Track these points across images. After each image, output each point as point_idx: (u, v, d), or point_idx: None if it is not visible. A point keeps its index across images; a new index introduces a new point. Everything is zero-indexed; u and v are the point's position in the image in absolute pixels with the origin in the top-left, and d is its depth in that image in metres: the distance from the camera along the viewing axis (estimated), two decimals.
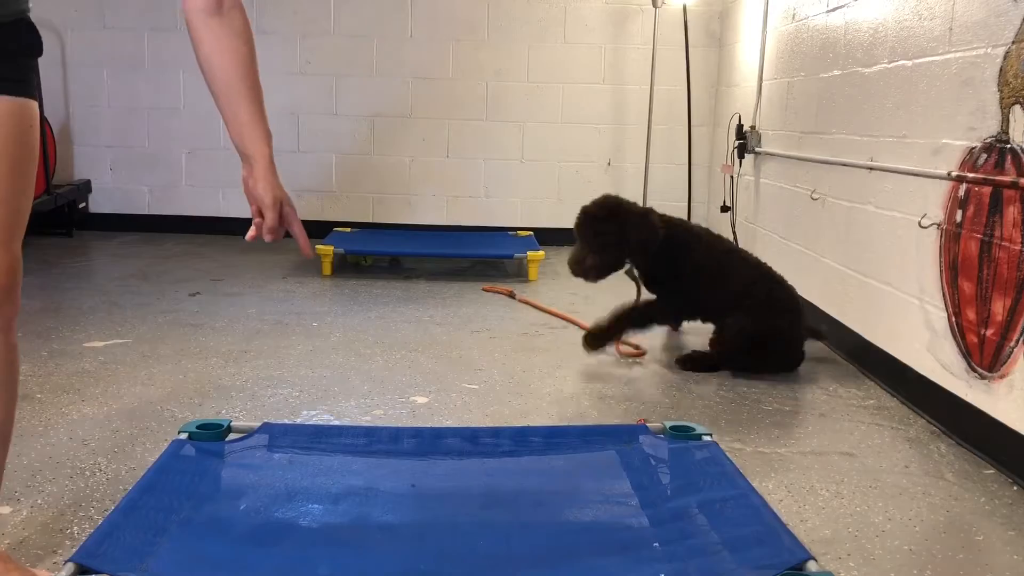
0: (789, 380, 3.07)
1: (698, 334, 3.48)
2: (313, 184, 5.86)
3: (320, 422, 2.53)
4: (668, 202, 5.80)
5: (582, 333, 3.26)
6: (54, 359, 3.05)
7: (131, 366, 3.00)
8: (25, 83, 1.47)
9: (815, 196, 3.70)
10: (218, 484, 1.92)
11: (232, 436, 2.11)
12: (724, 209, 5.01)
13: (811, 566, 1.54)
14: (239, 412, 2.58)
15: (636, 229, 3.03)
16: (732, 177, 4.86)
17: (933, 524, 2.01)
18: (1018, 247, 2.24)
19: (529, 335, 3.57)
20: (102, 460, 2.21)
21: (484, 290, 4.38)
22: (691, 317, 3.42)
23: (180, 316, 3.71)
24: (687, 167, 5.77)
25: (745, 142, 4.59)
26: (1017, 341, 2.24)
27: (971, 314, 2.46)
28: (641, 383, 2.98)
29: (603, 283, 3.28)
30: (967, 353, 2.48)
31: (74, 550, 1.57)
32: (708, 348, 3.23)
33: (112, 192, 5.89)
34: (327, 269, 4.66)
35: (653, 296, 3.26)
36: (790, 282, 3.26)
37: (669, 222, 3.17)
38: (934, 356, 2.66)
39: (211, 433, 2.07)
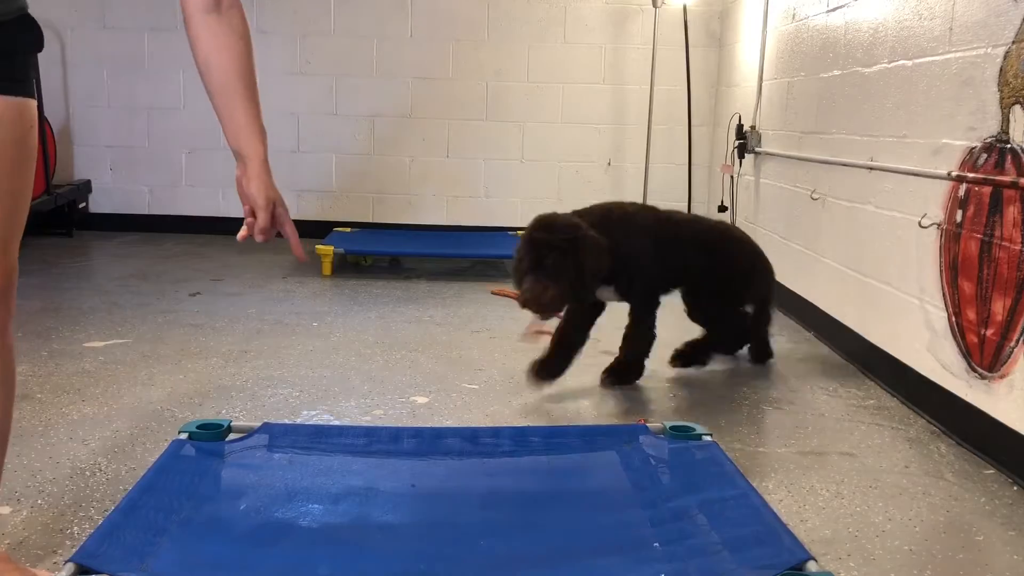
0: (789, 380, 3.07)
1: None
2: (313, 184, 5.86)
3: (320, 422, 2.53)
4: (668, 202, 5.78)
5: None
6: (54, 359, 3.05)
7: (131, 366, 3.00)
8: (25, 82, 1.45)
9: (815, 196, 3.70)
10: (218, 484, 1.92)
11: (232, 436, 2.11)
12: (722, 208, 5.01)
13: (811, 566, 1.54)
14: (239, 412, 2.58)
15: (592, 255, 2.63)
16: (732, 177, 4.86)
17: (933, 524, 2.01)
18: (1018, 247, 2.24)
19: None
20: (102, 460, 2.21)
21: (493, 293, 4.36)
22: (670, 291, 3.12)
23: (180, 316, 3.71)
24: (687, 167, 5.77)
25: (745, 142, 4.59)
26: (1017, 341, 2.24)
27: (971, 314, 2.46)
28: (641, 383, 2.98)
29: None
30: (967, 353, 2.48)
31: (74, 550, 1.57)
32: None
33: (112, 192, 5.89)
34: (327, 269, 4.66)
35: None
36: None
37: (599, 222, 2.77)
38: (934, 356, 2.66)
39: (211, 433, 2.07)
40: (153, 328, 3.50)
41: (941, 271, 2.63)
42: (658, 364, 3.20)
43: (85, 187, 5.80)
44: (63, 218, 5.58)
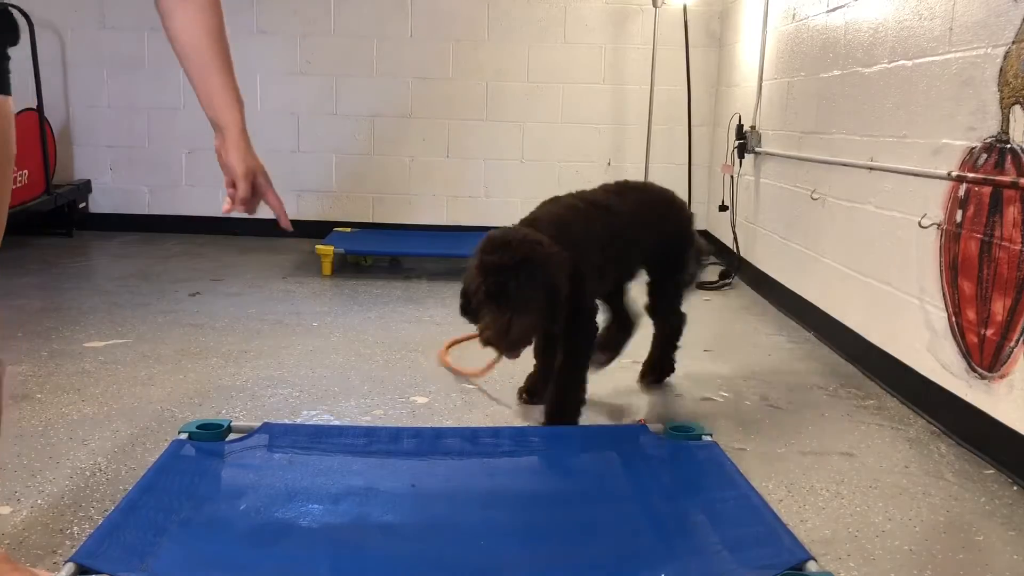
0: (789, 380, 3.07)
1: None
2: (313, 184, 5.86)
3: (320, 422, 2.53)
4: None
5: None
6: (54, 359, 3.05)
7: (131, 366, 3.00)
8: (3, 79, 1.40)
9: (815, 196, 3.70)
10: (218, 484, 1.92)
11: (232, 436, 2.11)
12: (723, 208, 5.01)
13: (811, 566, 1.55)
14: (239, 412, 2.58)
15: (560, 275, 2.21)
16: (732, 177, 4.86)
17: (933, 524, 2.01)
18: (1018, 247, 2.24)
19: None
20: (102, 460, 2.21)
21: (442, 360, 3.15)
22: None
23: (180, 316, 3.71)
24: (687, 167, 5.76)
25: (745, 142, 4.59)
26: (1017, 341, 2.24)
27: (971, 314, 2.46)
28: (641, 383, 2.98)
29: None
30: (967, 353, 2.48)
31: (74, 550, 1.57)
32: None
33: (112, 192, 5.89)
34: (327, 269, 4.66)
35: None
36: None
37: (557, 232, 2.35)
38: (934, 356, 2.66)
39: (211, 433, 2.08)
40: (153, 328, 3.50)
41: (941, 271, 2.63)
42: None
43: (85, 187, 5.80)
44: (63, 218, 5.58)
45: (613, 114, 5.81)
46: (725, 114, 5.28)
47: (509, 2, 5.67)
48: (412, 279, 4.68)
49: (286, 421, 2.49)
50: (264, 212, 1.53)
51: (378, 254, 5.07)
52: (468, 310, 2.29)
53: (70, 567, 1.47)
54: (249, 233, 5.77)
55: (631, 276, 2.82)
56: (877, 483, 2.22)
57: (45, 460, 2.20)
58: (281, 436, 2.11)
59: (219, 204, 6.29)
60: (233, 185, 1.44)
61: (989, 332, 2.36)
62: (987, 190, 2.40)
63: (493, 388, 2.87)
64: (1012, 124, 2.28)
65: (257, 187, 1.44)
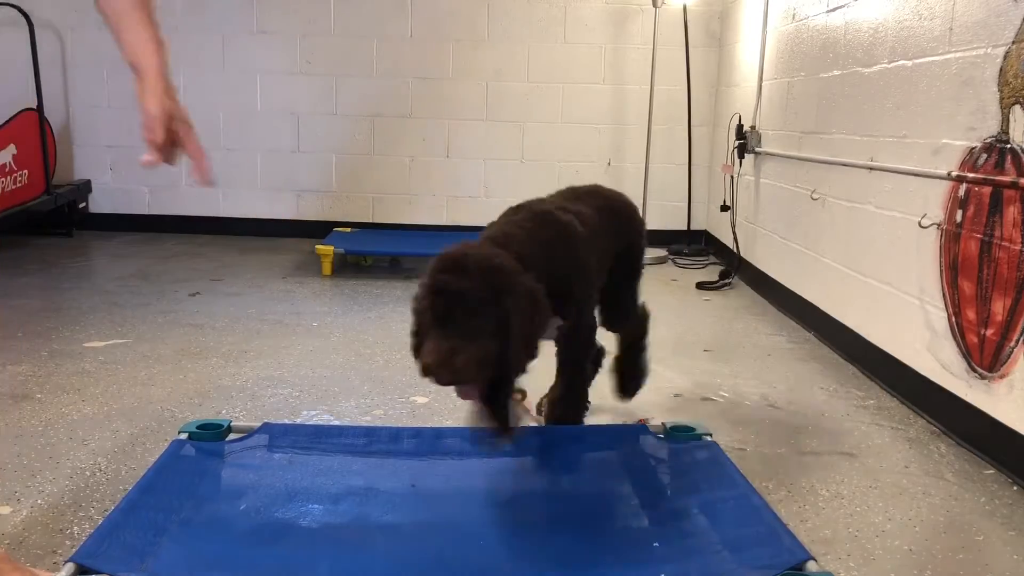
0: (789, 380, 3.07)
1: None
2: (313, 184, 5.86)
3: (320, 422, 2.53)
4: (668, 202, 5.83)
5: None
6: (54, 359, 3.05)
7: (131, 366, 3.00)
8: None
9: (815, 196, 3.70)
10: (218, 484, 1.92)
11: (232, 436, 2.11)
12: (724, 208, 5.01)
13: (811, 566, 1.54)
14: (239, 412, 2.58)
15: (527, 314, 1.82)
16: (732, 177, 4.86)
17: (933, 524, 2.01)
18: (1018, 247, 2.24)
19: None
20: (102, 460, 2.21)
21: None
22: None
23: (180, 316, 3.71)
24: (687, 167, 5.77)
25: (745, 142, 4.59)
26: (1017, 341, 2.24)
27: (971, 314, 2.46)
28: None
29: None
30: (967, 353, 2.48)
31: (74, 550, 1.57)
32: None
33: (112, 192, 5.89)
34: (327, 269, 4.66)
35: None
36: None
37: (533, 251, 1.98)
38: (934, 356, 2.66)
39: (211, 433, 2.08)
40: (153, 328, 3.50)
41: (941, 271, 2.63)
42: (658, 364, 3.20)
43: (85, 187, 5.80)
44: (63, 218, 5.59)
45: (613, 114, 5.81)
46: (725, 114, 5.28)
47: (509, 2, 5.67)
48: (412, 279, 4.68)
49: (286, 421, 2.49)
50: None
51: (378, 254, 5.07)
52: (414, 337, 1.91)
53: (70, 567, 1.47)
54: (249, 233, 5.77)
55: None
56: (877, 483, 2.22)
57: (45, 460, 2.20)
58: (281, 436, 2.11)
59: (219, 204, 6.27)
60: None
61: (989, 332, 2.36)
62: (987, 190, 2.40)
63: None
64: (1012, 124, 2.28)
65: (176, 134, 1.33)
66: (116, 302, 3.92)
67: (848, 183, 3.38)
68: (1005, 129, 2.32)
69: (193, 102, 5.71)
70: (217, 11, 5.62)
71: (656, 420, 2.30)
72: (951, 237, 2.58)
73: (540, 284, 1.87)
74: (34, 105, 5.39)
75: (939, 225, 2.66)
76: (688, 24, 5.54)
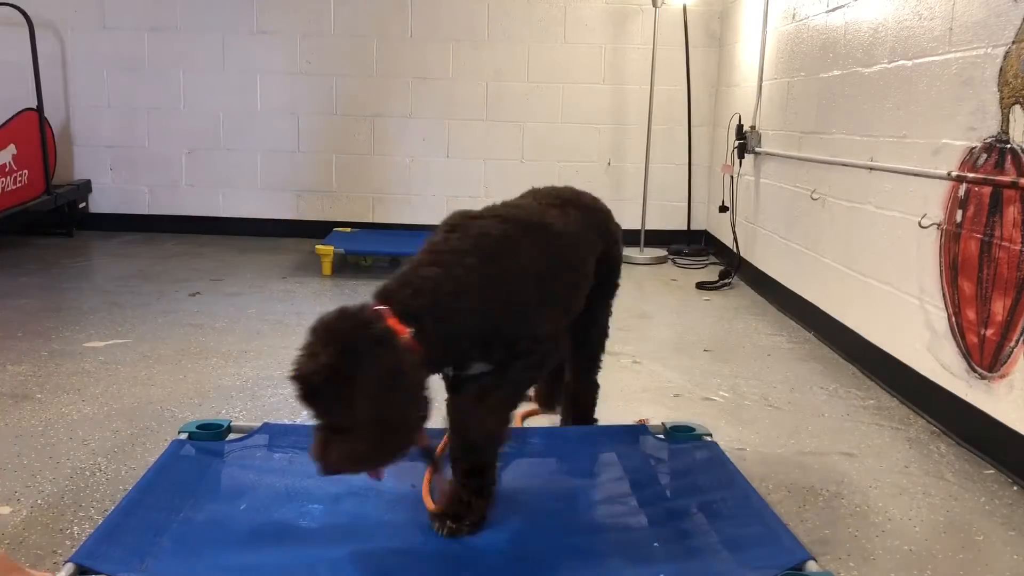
0: (789, 380, 3.07)
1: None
2: (313, 184, 5.86)
3: None
4: (668, 202, 5.83)
5: None
6: (54, 359, 3.05)
7: (131, 366, 3.00)
8: None
9: (815, 196, 3.70)
10: (218, 484, 1.92)
11: (232, 436, 2.11)
12: (723, 209, 5.01)
13: (811, 566, 1.55)
14: (239, 412, 2.58)
15: (376, 396, 1.54)
16: (732, 177, 4.86)
17: (933, 524, 2.01)
18: (1018, 247, 2.24)
19: None
20: (102, 460, 2.21)
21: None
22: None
23: (180, 316, 3.71)
24: (687, 167, 5.77)
25: (745, 142, 4.59)
26: (1017, 341, 2.24)
27: (971, 314, 2.46)
28: (641, 384, 2.98)
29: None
30: (967, 353, 2.48)
31: (74, 550, 1.57)
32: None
33: (112, 192, 5.89)
34: (327, 269, 4.66)
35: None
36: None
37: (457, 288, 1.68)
38: (934, 356, 2.66)
39: (211, 433, 2.08)
40: (153, 328, 3.50)
41: (941, 271, 2.63)
42: (658, 364, 3.20)
43: (85, 187, 5.80)
44: (63, 218, 5.59)
45: (613, 114, 5.81)
46: (725, 114, 5.28)
47: (509, 2, 5.67)
48: None
49: (286, 421, 2.49)
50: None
51: (378, 254, 5.07)
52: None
53: (70, 567, 1.47)
54: (249, 233, 5.77)
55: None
56: (877, 483, 2.22)
57: (45, 460, 2.20)
58: (281, 436, 2.11)
59: (219, 204, 6.27)
60: None
61: (989, 332, 2.36)
62: (987, 190, 2.40)
63: None
64: (1012, 124, 2.28)
65: None
66: (116, 302, 3.92)
67: (848, 183, 3.38)
68: (1005, 129, 2.32)
69: (193, 103, 5.77)
70: (217, 11, 5.62)
71: (656, 420, 2.30)
72: (951, 237, 2.58)
73: (433, 343, 1.60)
74: (34, 105, 5.39)
75: (939, 225, 2.66)
76: (688, 24, 5.54)
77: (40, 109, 5.42)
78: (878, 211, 3.09)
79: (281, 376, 2.93)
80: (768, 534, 1.67)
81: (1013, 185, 2.26)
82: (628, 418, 2.61)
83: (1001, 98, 2.34)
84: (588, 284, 2.05)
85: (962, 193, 2.53)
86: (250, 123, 5.78)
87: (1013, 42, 2.29)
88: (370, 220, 5.89)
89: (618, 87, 5.77)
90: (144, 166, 5.85)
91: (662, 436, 2.17)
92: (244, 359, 3.12)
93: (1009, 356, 2.28)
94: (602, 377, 2.80)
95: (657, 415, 2.63)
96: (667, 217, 5.80)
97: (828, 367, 3.25)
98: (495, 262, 1.74)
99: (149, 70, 5.71)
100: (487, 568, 1.63)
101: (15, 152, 5.17)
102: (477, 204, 5.63)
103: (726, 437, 2.47)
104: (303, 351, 1.57)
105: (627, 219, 5.71)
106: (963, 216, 2.52)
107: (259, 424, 2.15)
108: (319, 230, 5.42)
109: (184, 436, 2.06)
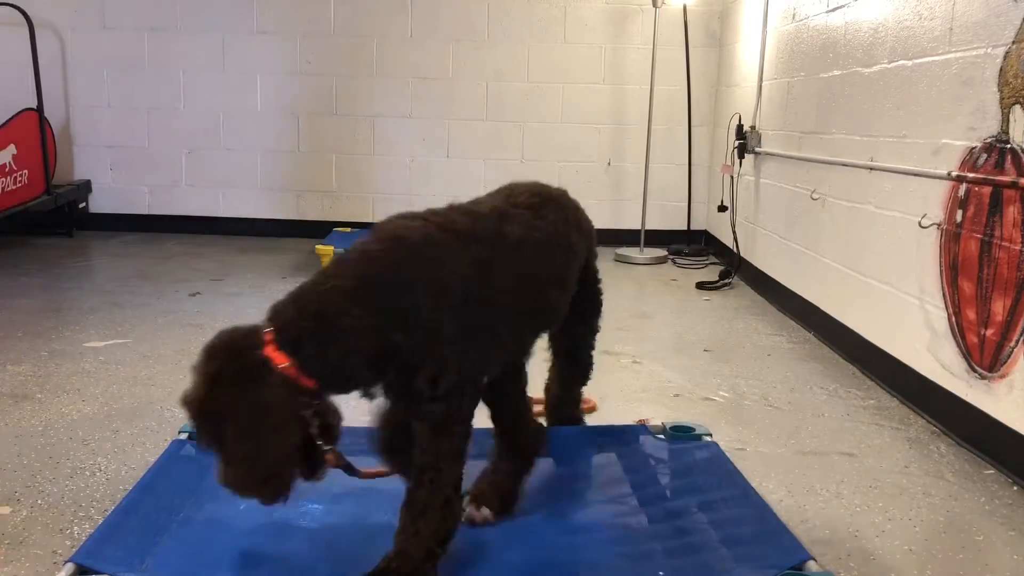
0: (789, 380, 3.07)
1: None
2: (313, 184, 5.86)
3: None
4: (668, 202, 5.83)
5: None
6: (54, 359, 3.05)
7: (131, 366, 3.00)
8: None
9: (815, 196, 3.70)
10: (218, 484, 1.92)
11: None
12: (721, 209, 5.01)
13: (811, 566, 1.55)
14: None
15: (241, 431, 1.46)
16: (732, 177, 4.86)
17: (933, 524, 2.01)
18: (1018, 247, 2.24)
19: None
20: (102, 460, 2.21)
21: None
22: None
23: (180, 316, 3.71)
24: (687, 167, 5.77)
25: (745, 142, 4.59)
26: (1017, 341, 2.24)
27: (971, 314, 2.46)
28: (640, 384, 2.98)
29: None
30: (967, 353, 2.48)
31: (74, 550, 1.57)
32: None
33: (112, 192, 5.89)
34: None
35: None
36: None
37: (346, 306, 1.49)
38: (934, 356, 2.66)
39: None
40: (153, 328, 3.50)
41: (941, 271, 2.63)
42: (658, 364, 3.20)
43: (85, 187, 5.80)
44: (63, 218, 5.59)
45: (613, 114, 5.81)
46: (725, 114, 5.28)
47: (509, 2, 5.67)
48: None
49: None
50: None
51: None
52: None
53: (70, 567, 1.47)
54: (249, 233, 5.77)
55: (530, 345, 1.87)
56: (877, 483, 2.22)
57: (45, 460, 2.20)
58: None
59: (219, 204, 6.27)
60: None
61: (989, 332, 2.36)
62: (987, 190, 2.40)
63: None
64: (1012, 124, 2.28)
65: None
66: (116, 302, 3.92)
67: (848, 183, 3.38)
68: (1005, 129, 2.32)
69: (193, 103, 5.77)
70: (217, 11, 5.62)
71: (656, 420, 2.30)
72: (951, 237, 2.58)
73: (318, 368, 1.44)
74: (34, 105, 5.40)
75: (939, 225, 2.66)
76: (688, 24, 5.54)
77: (40, 109, 5.42)
78: (878, 211, 3.09)
79: None
80: (768, 534, 1.67)
81: (1013, 185, 2.26)
82: (628, 418, 2.61)
83: (1001, 98, 2.34)
84: (553, 317, 1.81)
85: (962, 193, 2.53)
86: (250, 123, 5.78)
87: (1013, 42, 2.29)
88: (370, 220, 5.87)
89: (618, 87, 5.77)
90: (144, 166, 5.85)
91: (662, 436, 2.17)
92: None
93: (1009, 356, 2.27)
94: (602, 377, 2.80)
95: (657, 415, 2.63)
96: (667, 217, 5.80)
97: (828, 367, 3.25)
98: (402, 270, 1.54)
99: (149, 70, 5.71)
100: (487, 567, 1.63)
101: (15, 152, 5.17)
102: None
103: (726, 437, 2.47)
104: (193, 372, 1.52)
105: (627, 219, 5.72)
106: (963, 216, 2.52)
107: None
108: (319, 230, 5.42)
109: (184, 436, 2.06)
